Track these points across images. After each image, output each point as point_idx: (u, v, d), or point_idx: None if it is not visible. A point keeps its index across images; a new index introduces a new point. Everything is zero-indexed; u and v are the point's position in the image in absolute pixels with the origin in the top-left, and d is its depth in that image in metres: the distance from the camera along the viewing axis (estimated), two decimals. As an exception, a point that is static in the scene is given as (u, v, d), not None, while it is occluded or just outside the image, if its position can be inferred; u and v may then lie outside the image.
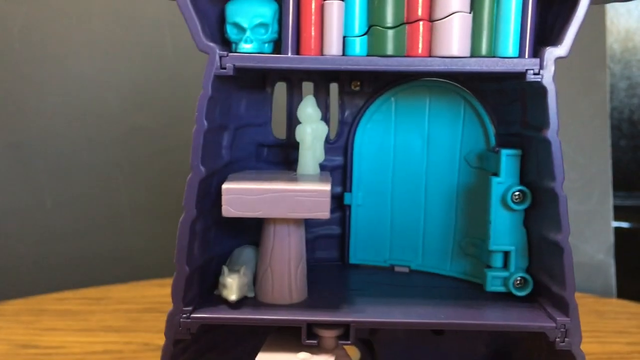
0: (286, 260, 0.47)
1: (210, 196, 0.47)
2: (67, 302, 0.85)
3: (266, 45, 0.46)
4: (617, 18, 0.77)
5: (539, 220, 0.48)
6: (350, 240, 0.57)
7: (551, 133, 0.43)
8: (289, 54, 0.45)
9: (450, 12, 0.43)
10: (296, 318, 0.45)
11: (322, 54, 0.45)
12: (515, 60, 0.44)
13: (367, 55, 0.45)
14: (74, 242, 0.85)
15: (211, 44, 0.43)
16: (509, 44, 0.44)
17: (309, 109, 0.49)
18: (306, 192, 0.44)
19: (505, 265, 0.50)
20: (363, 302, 0.48)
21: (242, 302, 0.47)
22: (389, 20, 0.44)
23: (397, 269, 0.57)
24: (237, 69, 0.44)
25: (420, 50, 0.44)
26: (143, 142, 0.78)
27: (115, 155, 0.79)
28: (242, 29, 0.45)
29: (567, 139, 0.44)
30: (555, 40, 0.44)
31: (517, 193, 0.48)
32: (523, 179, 0.49)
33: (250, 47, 0.45)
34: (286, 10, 0.44)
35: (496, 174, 0.49)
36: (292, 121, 0.55)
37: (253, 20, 0.45)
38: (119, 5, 0.76)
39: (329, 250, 0.58)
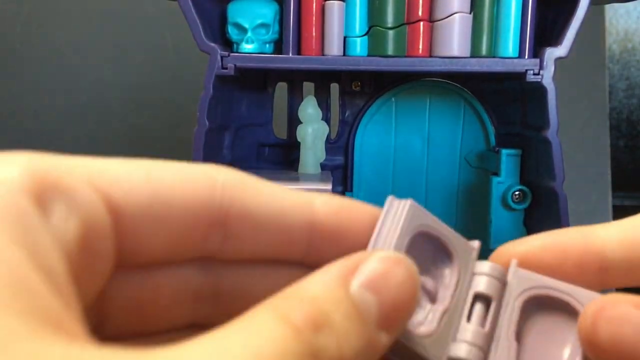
0: (287, 260, 0.47)
1: (211, 196, 0.47)
2: (67, 301, 0.85)
3: (267, 45, 0.46)
4: (616, 19, 0.77)
5: (539, 220, 0.48)
6: (350, 240, 0.57)
7: (551, 133, 0.43)
8: (290, 54, 0.45)
9: (451, 12, 0.43)
10: (297, 317, 0.45)
11: (322, 54, 0.45)
12: (515, 60, 0.44)
13: (368, 56, 0.45)
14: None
15: (212, 45, 0.43)
16: (509, 44, 0.44)
17: (309, 109, 0.50)
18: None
19: (505, 265, 0.50)
20: (364, 301, 0.48)
21: (243, 301, 0.47)
22: (390, 20, 0.44)
23: (397, 268, 0.57)
24: (238, 69, 0.44)
25: (420, 51, 0.44)
26: (144, 141, 0.78)
27: (116, 154, 0.79)
28: (243, 29, 0.46)
29: (566, 139, 0.44)
30: (555, 41, 0.44)
31: (517, 193, 0.48)
32: (523, 179, 0.49)
33: (251, 48, 0.45)
34: (287, 10, 0.45)
35: (496, 174, 0.49)
36: (293, 121, 0.55)
37: (254, 21, 0.45)
38: (119, 5, 0.76)
39: (330, 250, 0.58)
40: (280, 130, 0.57)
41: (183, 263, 0.17)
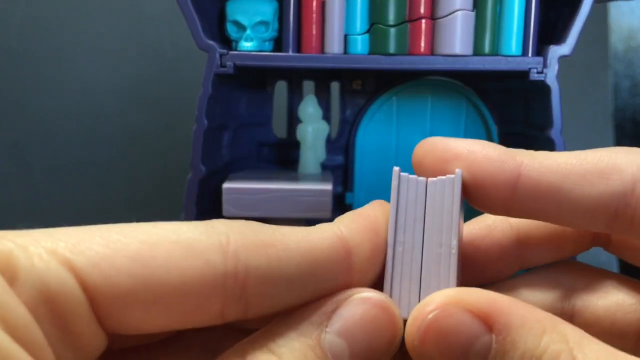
0: (287, 261, 0.46)
1: (210, 196, 0.47)
2: (66, 302, 0.85)
3: (267, 43, 0.46)
4: (620, 17, 0.76)
5: (542, 220, 0.47)
6: (351, 240, 0.57)
7: (555, 132, 0.43)
8: (290, 53, 0.44)
9: (453, 10, 0.42)
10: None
11: (323, 52, 0.44)
12: (518, 58, 0.43)
13: (369, 54, 0.44)
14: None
15: (211, 43, 0.43)
16: (512, 42, 0.44)
17: (310, 109, 0.49)
18: (307, 192, 0.43)
19: (508, 266, 0.50)
20: (364, 303, 0.48)
21: (242, 303, 0.46)
22: (391, 18, 0.43)
23: (398, 269, 0.56)
24: (237, 68, 0.43)
25: (422, 49, 0.43)
26: (142, 141, 0.78)
27: (114, 154, 0.78)
28: (242, 27, 0.45)
29: (570, 138, 0.43)
30: (558, 39, 0.43)
31: (520, 193, 0.48)
32: (526, 179, 0.48)
33: (250, 46, 0.45)
34: (287, 8, 0.44)
35: (499, 174, 0.49)
36: (293, 120, 0.55)
37: (253, 18, 0.45)
38: (117, 3, 0.75)
39: (330, 250, 0.58)
40: (280, 130, 0.56)
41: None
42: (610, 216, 0.17)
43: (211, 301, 0.14)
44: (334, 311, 0.15)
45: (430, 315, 0.16)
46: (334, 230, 0.16)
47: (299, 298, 0.16)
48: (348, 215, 0.17)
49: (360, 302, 0.15)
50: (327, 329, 0.15)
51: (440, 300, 0.16)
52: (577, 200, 0.17)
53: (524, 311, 0.15)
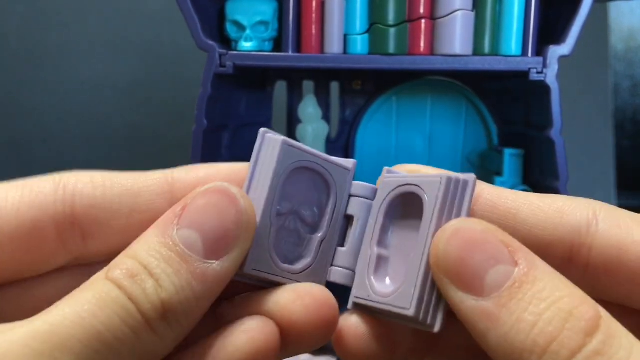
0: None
1: (210, 196, 0.47)
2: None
3: (266, 43, 0.46)
4: (621, 17, 0.76)
5: (542, 221, 0.47)
6: (351, 241, 0.56)
7: (555, 132, 0.43)
8: (290, 53, 0.44)
9: (453, 10, 0.42)
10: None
11: (323, 53, 0.44)
12: (518, 58, 0.43)
13: (369, 54, 0.44)
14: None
15: (211, 42, 0.43)
16: (512, 42, 0.43)
17: (310, 109, 0.49)
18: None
19: (508, 266, 0.50)
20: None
21: (242, 303, 0.46)
22: (391, 18, 0.43)
23: (398, 269, 0.56)
24: (237, 68, 0.43)
25: (422, 49, 0.43)
26: (142, 141, 0.78)
27: (114, 154, 0.78)
28: (242, 27, 0.45)
29: (570, 138, 0.43)
30: (558, 39, 0.43)
31: (519, 193, 0.48)
32: (526, 179, 0.48)
33: (250, 46, 0.45)
34: (287, 8, 0.44)
35: (499, 174, 0.49)
36: (293, 120, 0.55)
37: (253, 18, 0.45)
38: (117, 4, 0.75)
39: (330, 251, 0.58)
40: (279, 130, 0.56)
41: (57, 275, 0.18)
42: (566, 252, 0.17)
43: (44, 228, 0.17)
44: (183, 209, 0.17)
45: (465, 224, 0.16)
46: (163, 171, 0.19)
47: (126, 229, 0.18)
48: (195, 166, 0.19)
49: (202, 193, 0.17)
50: (178, 225, 0.16)
51: (461, 221, 0.16)
52: (534, 230, 0.17)
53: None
